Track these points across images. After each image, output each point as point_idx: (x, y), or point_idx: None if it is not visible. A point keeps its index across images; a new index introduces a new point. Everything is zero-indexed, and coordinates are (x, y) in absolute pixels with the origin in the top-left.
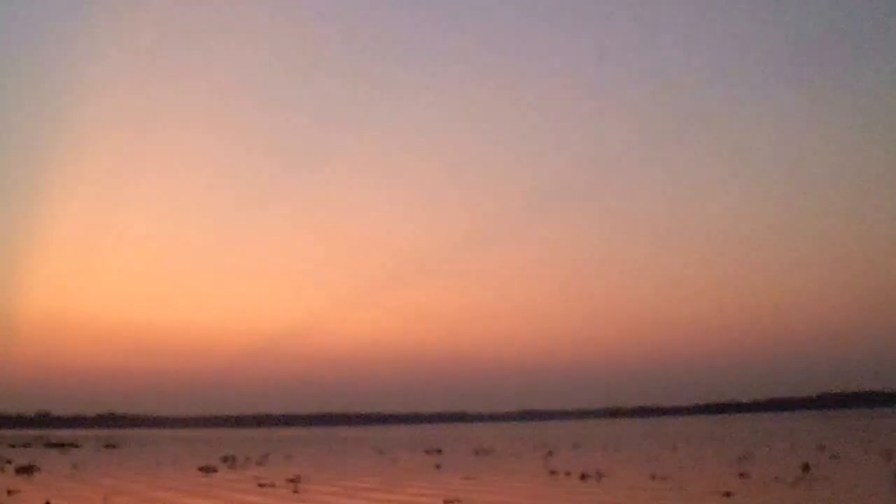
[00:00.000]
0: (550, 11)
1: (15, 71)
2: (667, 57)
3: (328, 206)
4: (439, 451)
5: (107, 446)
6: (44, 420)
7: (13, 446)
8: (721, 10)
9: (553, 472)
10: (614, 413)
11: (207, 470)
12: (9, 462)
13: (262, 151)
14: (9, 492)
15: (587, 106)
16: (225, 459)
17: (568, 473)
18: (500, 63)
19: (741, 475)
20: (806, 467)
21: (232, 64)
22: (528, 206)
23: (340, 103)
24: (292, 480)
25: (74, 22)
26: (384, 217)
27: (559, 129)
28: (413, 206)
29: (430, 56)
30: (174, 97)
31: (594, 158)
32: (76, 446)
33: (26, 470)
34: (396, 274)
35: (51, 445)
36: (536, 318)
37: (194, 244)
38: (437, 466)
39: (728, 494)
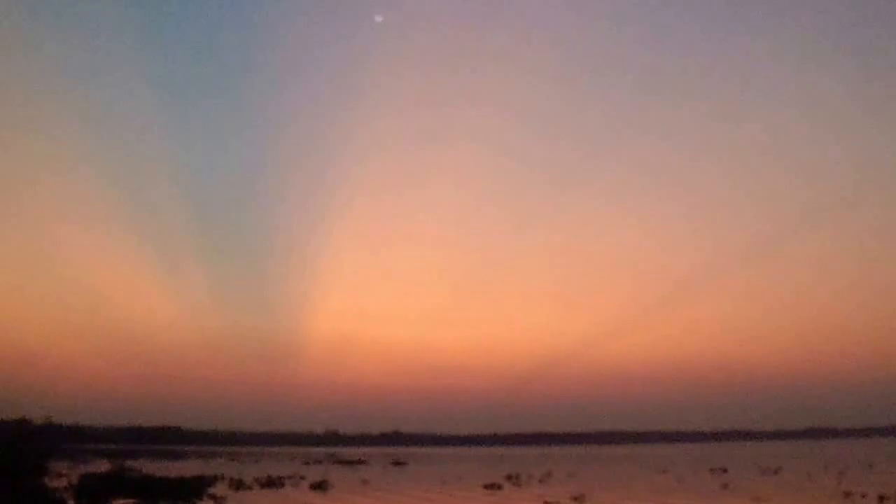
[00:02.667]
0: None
1: (314, 113)
2: None
3: (603, 227)
4: (724, 471)
5: (394, 463)
6: (333, 438)
7: (306, 463)
8: None
9: (848, 494)
10: None
11: (492, 487)
12: (303, 478)
13: (534, 170)
14: None
15: (856, 115)
16: (509, 477)
17: (864, 495)
18: (771, 78)
19: None
20: None
21: (502, 90)
22: (803, 219)
23: (624, 114)
24: (577, 499)
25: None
26: (658, 234)
27: (828, 139)
28: (687, 223)
29: (702, 70)
30: (445, 126)
31: (863, 168)
32: (364, 463)
33: (320, 486)
34: (674, 290)
35: (340, 463)
36: (818, 333)
37: (475, 266)
38: (724, 486)
39: None
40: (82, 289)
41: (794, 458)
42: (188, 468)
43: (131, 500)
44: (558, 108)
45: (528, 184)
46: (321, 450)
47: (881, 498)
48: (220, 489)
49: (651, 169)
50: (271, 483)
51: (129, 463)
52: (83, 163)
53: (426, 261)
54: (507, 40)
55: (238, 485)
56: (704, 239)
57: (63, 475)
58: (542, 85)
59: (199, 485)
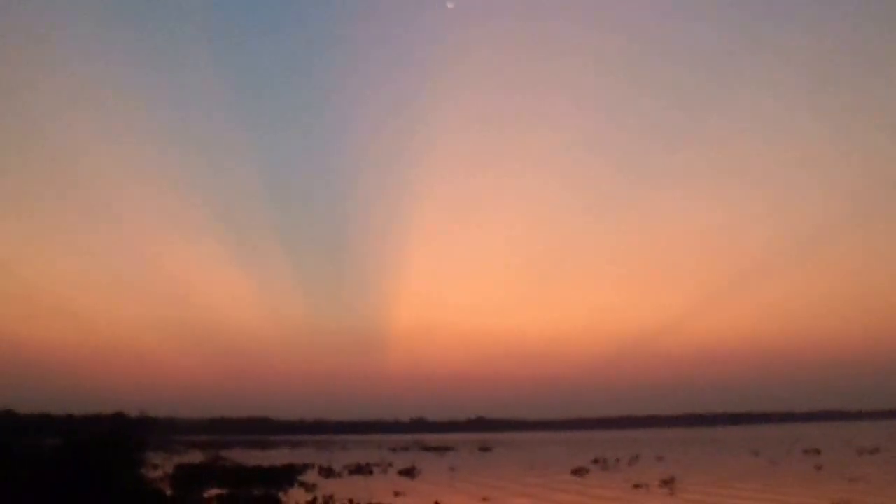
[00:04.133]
0: None
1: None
2: None
3: (679, 207)
4: (818, 452)
5: (480, 449)
6: (419, 425)
7: (393, 451)
8: None
9: None
10: None
11: (580, 472)
12: (391, 465)
13: (610, 154)
14: (395, 493)
15: None
16: (596, 461)
17: None
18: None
19: None
20: None
21: (578, 75)
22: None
23: (701, 92)
24: (666, 482)
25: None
26: (738, 212)
27: None
28: (766, 198)
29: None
30: (520, 113)
31: None
32: (451, 449)
33: (408, 472)
34: (757, 268)
35: (427, 449)
36: None
37: (554, 253)
38: (818, 468)
39: None
40: (173, 288)
41: (891, 438)
42: (278, 457)
43: (225, 489)
44: (633, 94)
45: (603, 168)
46: (408, 437)
47: None
48: (310, 477)
49: (726, 149)
50: (360, 470)
51: (222, 453)
52: (171, 167)
53: (505, 249)
54: (585, 26)
55: (328, 472)
56: (789, 215)
57: (158, 466)
58: (618, 71)
59: (290, 473)
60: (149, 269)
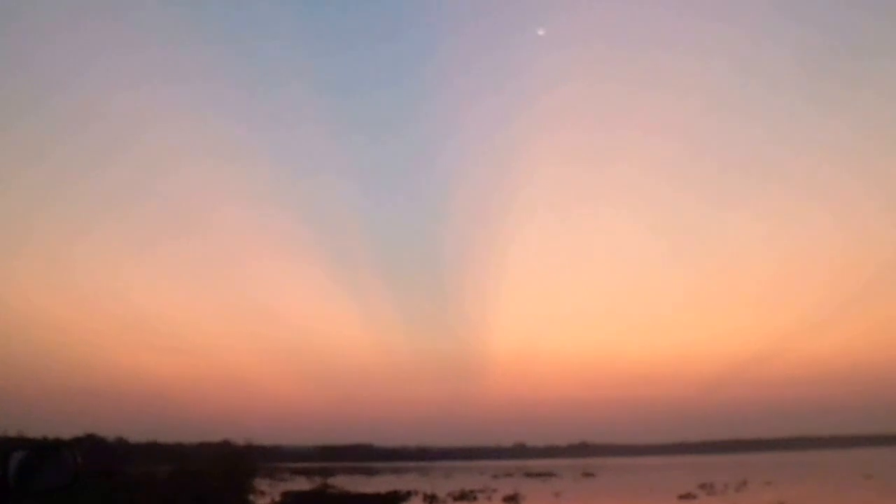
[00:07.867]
0: None
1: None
2: None
3: (797, 219)
4: None
5: (584, 475)
6: (520, 451)
7: (496, 477)
8: None
9: None
10: None
11: (687, 497)
12: (494, 491)
13: (722, 163)
14: None
15: None
16: (702, 486)
17: None
18: None
19: None
20: None
21: (693, 76)
22: None
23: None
24: None
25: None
26: (857, 223)
27: None
28: (889, 209)
29: None
30: (629, 113)
31: None
32: (554, 475)
33: (512, 499)
34: (875, 285)
35: (530, 475)
36: None
37: (657, 272)
38: None
39: None
40: (275, 317)
41: None
42: (382, 484)
43: None
44: (750, 97)
45: (708, 183)
46: (510, 463)
47: None
48: (414, 503)
49: (846, 157)
50: (463, 496)
51: (327, 480)
52: (272, 193)
53: (606, 271)
54: (677, 55)
55: (431, 499)
56: None
57: (265, 493)
58: (719, 100)
59: (395, 499)
60: (252, 299)
